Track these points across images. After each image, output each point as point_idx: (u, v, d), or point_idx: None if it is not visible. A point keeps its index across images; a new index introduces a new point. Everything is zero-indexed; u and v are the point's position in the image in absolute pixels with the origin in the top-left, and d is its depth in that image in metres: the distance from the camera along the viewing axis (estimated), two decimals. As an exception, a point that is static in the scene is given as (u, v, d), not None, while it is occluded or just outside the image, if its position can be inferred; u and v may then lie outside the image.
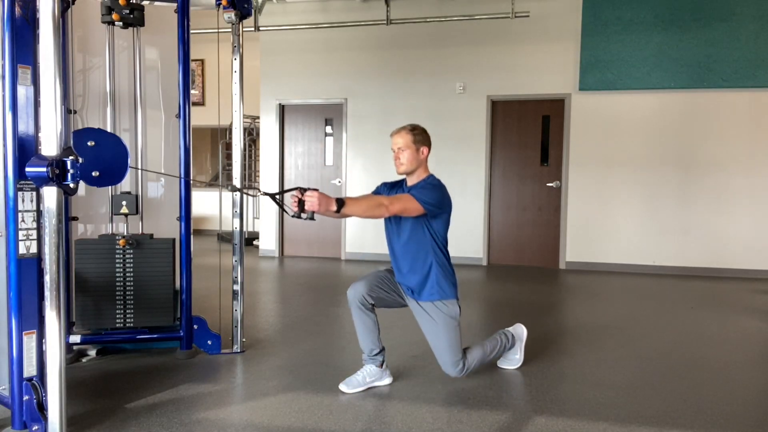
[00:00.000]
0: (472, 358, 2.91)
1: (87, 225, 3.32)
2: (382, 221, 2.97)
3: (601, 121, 6.74)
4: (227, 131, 9.44)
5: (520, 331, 3.20)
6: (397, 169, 2.86)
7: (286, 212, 2.53)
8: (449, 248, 2.91)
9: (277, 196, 2.62)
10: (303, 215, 2.45)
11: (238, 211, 3.33)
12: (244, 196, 3.34)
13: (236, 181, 3.36)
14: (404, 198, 2.68)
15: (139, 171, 3.28)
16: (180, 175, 3.23)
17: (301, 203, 2.44)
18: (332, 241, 7.62)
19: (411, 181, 2.87)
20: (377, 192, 2.99)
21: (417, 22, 6.99)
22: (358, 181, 7.41)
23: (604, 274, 6.49)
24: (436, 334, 2.84)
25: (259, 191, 2.76)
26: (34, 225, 2.30)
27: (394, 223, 2.89)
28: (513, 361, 3.19)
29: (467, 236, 7.10)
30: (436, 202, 2.72)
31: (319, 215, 2.52)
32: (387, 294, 2.88)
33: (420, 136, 2.83)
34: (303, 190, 2.44)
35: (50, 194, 2.06)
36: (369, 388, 2.83)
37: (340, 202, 2.49)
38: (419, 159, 2.83)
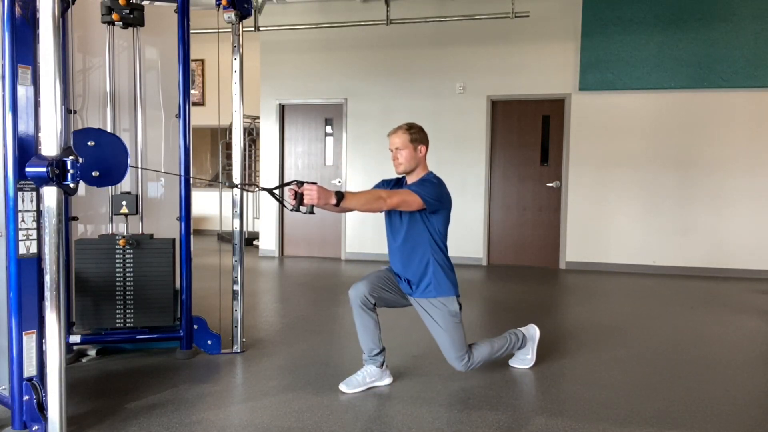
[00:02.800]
0: (479, 353, 2.91)
1: (87, 225, 3.32)
2: (382, 219, 2.97)
3: (601, 121, 6.74)
4: (227, 131, 9.44)
5: (533, 331, 3.20)
6: (396, 169, 2.86)
7: (285, 207, 2.52)
8: (449, 247, 2.92)
9: (277, 192, 2.62)
10: (302, 209, 2.45)
11: (238, 211, 3.33)
12: (244, 193, 3.34)
13: (236, 181, 3.35)
14: (403, 192, 2.69)
15: (139, 171, 3.28)
16: (180, 173, 3.23)
17: (299, 196, 2.45)
18: (332, 241, 7.62)
19: (410, 179, 2.88)
20: (377, 186, 2.99)
21: (417, 22, 6.99)
22: (358, 182, 7.40)
23: (604, 274, 6.48)
24: (437, 331, 2.85)
25: (258, 187, 2.78)
26: (34, 225, 2.30)
27: (393, 218, 2.89)
28: (525, 360, 3.18)
29: (467, 236, 7.10)
30: (435, 196, 2.73)
31: (319, 210, 2.54)
32: (389, 293, 2.87)
33: (417, 135, 2.83)
34: (300, 184, 2.46)
35: (50, 194, 2.06)
36: (369, 388, 2.83)
37: (340, 196, 2.49)
38: (417, 158, 2.83)
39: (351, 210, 2.69)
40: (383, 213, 2.89)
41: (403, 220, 2.84)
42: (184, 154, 3.22)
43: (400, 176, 2.97)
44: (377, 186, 3.01)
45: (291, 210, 2.48)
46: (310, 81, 7.57)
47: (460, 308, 2.88)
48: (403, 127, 2.84)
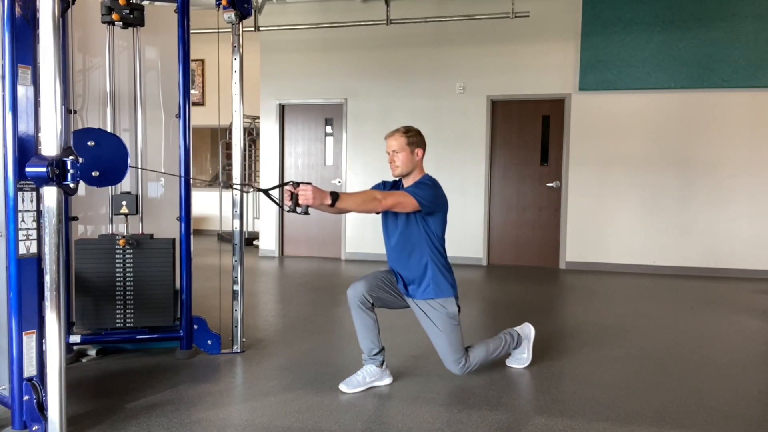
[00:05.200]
0: (475, 356, 2.92)
1: (87, 225, 3.32)
2: (380, 220, 2.98)
3: (601, 121, 6.74)
4: (227, 131, 9.44)
5: (528, 330, 3.20)
6: (392, 171, 2.86)
7: (281, 207, 2.54)
8: (447, 247, 2.92)
9: (272, 192, 2.64)
10: (298, 209, 2.46)
11: (238, 211, 3.33)
12: (244, 193, 3.35)
13: (236, 181, 3.35)
14: (398, 193, 2.69)
15: (139, 171, 3.28)
16: (180, 174, 3.23)
17: (294, 197, 2.45)
18: (332, 241, 7.62)
19: (407, 183, 2.89)
20: (375, 187, 2.99)
21: (417, 22, 6.99)
22: (358, 182, 7.41)
23: (604, 274, 6.48)
24: (435, 333, 2.85)
25: (253, 187, 2.79)
26: (34, 225, 2.30)
27: (390, 220, 2.89)
28: (521, 360, 3.18)
29: (467, 236, 7.10)
30: (430, 197, 2.73)
31: (315, 210, 2.55)
32: (387, 294, 2.88)
33: (414, 138, 2.83)
34: (296, 184, 2.46)
35: (50, 194, 2.06)
36: (369, 388, 2.83)
37: (335, 196, 2.50)
38: (414, 161, 2.83)
39: (347, 211, 2.70)
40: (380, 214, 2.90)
41: (399, 221, 2.84)
42: (184, 154, 3.21)
43: (398, 179, 2.97)
44: (375, 188, 3.00)
45: (287, 211, 2.49)
46: (310, 81, 7.57)
47: (459, 310, 2.88)
48: (401, 130, 2.84)
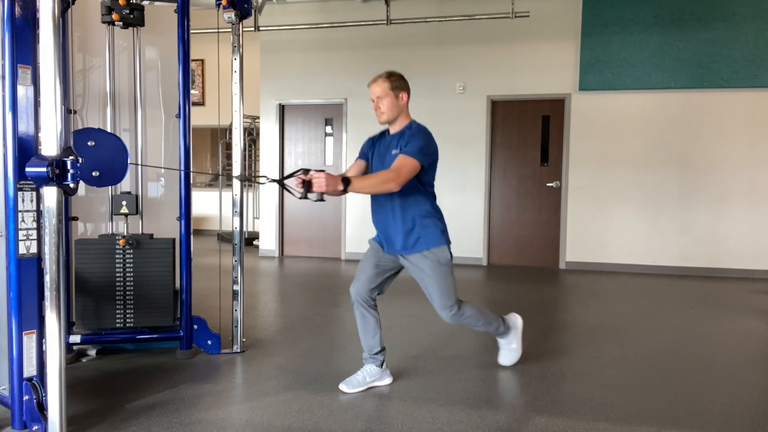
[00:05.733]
0: (468, 311, 2.87)
1: (87, 225, 3.32)
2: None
3: (601, 121, 6.74)
4: (227, 131, 9.44)
5: (514, 319, 3.17)
6: (378, 118, 2.81)
7: (294, 195, 2.61)
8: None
9: (285, 181, 2.66)
10: (311, 196, 2.52)
11: (238, 210, 3.33)
12: (244, 192, 3.35)
13: (235, 182, 3.35)
14: (402, 165, 2.61)
15: (139, 171, 3.29)
16: (180, 170, 3.23)
17: (306, 184, 2.51)
18: (332, 241, 7.62)
19: (394, 129, 2.82)
20: (362, 153, 2.93)
21: (417, 22, 6.99)
22: (358, 181, 7.40)
23: (604, 274, 6.48)
24: (425, 280, 2.79)
25: (268, 178, 2.80)
26: (34, 225, 2.30)
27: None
28: (511, 351, 3.16)
29: (467, 236, 7.10)
30: (426, 149, 2.67)
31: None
32: (384, 275, 2.85)
33: (398, 82, 2.77)
34: (306, 172, 2.52)
35: (50, 194, 2.06)
36: (369, 388, 2.83)
37: (346, 182, 2.53)
38: (399, 105, 2.78)
39: (360, 192, 2.68)
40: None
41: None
42: (184, 154, 3.22)
43: (382, 130, 2.90)
44: (362, 148, 2.94)
45: (299, 198, 2.54)
46: (310, 81, 7.57)
47: (451, 257, 2.81)
48: (383, 75, 2.78)
